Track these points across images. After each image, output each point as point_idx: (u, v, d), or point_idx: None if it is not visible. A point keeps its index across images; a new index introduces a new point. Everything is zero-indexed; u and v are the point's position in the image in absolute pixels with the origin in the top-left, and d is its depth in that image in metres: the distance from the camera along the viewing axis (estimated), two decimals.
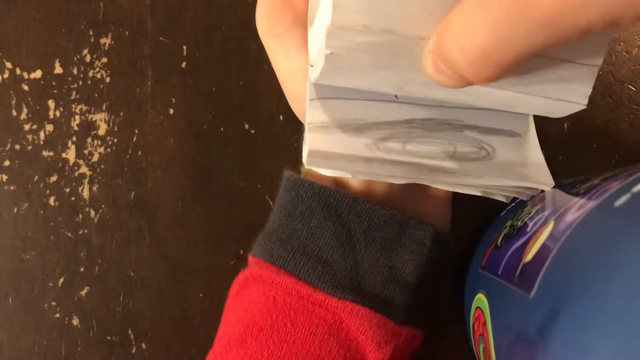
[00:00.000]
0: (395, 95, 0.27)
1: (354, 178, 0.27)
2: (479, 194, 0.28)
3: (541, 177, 0.27)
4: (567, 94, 0.22)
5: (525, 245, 0.25)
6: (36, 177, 0.36)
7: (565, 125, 0.35)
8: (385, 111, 0.27)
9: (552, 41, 0.17)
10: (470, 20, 0.17)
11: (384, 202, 0.29)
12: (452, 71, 0.19)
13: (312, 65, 0.24)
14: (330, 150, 0.25)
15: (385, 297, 0.28)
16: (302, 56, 0.26)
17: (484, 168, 0.27)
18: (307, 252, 0.28)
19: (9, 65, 0.36)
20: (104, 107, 0.36)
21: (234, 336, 0.28)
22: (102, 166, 0.36)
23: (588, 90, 0.22)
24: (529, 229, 0.26)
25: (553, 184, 0.27)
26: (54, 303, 0.36)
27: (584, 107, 0.23)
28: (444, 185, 0.27)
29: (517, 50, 0.17)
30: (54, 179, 0.36)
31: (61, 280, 0.36)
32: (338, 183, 0.29)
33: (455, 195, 0.32)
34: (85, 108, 0.36)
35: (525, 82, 0.22)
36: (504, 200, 0.29)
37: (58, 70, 0.36)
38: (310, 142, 0.25)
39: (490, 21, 0.17)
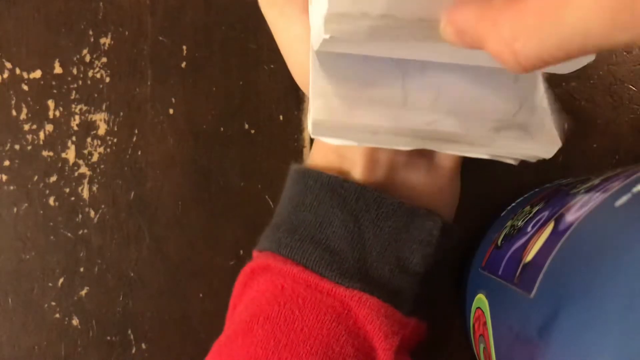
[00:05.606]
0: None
1: (360, 146, 0.26)
2: (486, 157, 0.27)
3: (548, 139, 0.26)
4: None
5: (525, 246, 0.25)
6: (36, 177, 0.36)
7: (565, 126, 0.35)
8: (388, 71, 0.26)
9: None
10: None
11: (386, 185, 0.29)
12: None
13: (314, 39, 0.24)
14: (335, 117, 0.25)
15: (393, 287, 0.28)
16: (303, 25, 0.26)
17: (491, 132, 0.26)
18: (315, 241, 0.28)
19: (8, 65, 0.36)
20: (103, 107, 0.36)
21: (240, 325, 0.28)
22: (102, 166, 0.36)
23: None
24: (529, 229, 0.26)
25: (560, 144, 0.26)
26: (53, 303, 0.36)
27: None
28: (449, 150, 0.26)
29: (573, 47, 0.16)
30: (53, 179, 0.36)
31: (61, 280, 0.36)
32: (341, 174, 0.29)
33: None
34: (85, 108, 0.36)
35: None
36: (512, 162, 0.28)
37: (58, 70, 0.36)
38: (315, 111, 0.24)
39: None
